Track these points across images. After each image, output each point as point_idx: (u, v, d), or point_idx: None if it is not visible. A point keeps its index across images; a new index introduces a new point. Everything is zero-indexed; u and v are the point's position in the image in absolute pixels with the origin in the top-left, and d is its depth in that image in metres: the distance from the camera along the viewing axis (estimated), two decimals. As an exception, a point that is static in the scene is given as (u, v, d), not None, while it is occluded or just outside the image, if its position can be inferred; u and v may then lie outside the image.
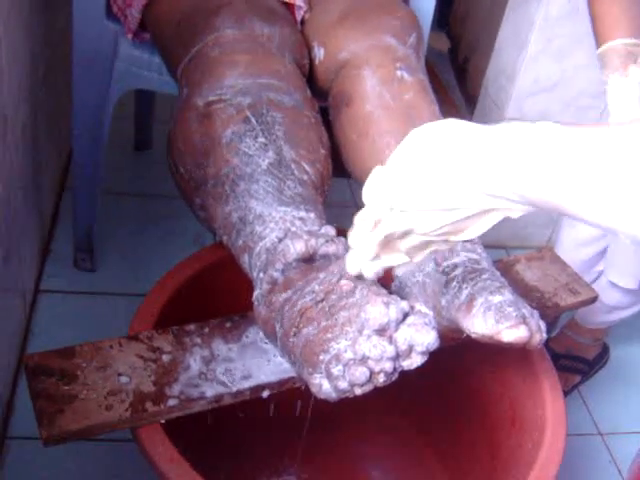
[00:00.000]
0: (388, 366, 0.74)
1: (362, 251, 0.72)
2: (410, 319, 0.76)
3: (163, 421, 0.81)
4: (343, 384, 0.75)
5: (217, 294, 1.01)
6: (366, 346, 0.74)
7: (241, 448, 1.14)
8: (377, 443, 1.27)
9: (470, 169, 0.60)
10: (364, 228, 0.70)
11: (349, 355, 0.74)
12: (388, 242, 0.70)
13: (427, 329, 0.76)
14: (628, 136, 0.53)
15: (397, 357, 0.75)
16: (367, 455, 1.27)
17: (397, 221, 0.67)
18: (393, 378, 0.76)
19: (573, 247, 1.52)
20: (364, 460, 1.27)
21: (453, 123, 0.62)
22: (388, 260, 0.72)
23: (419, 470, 1.22)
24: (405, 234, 0.68)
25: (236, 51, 1.01)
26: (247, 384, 0.84)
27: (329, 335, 0.76)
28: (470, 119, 1.03)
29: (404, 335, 0.75)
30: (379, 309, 0.75)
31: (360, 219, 0.70)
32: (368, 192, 0.68)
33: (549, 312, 1.07)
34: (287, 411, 1.06)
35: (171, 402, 0.81)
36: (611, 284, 1.47)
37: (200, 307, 0.96)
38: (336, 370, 0.75)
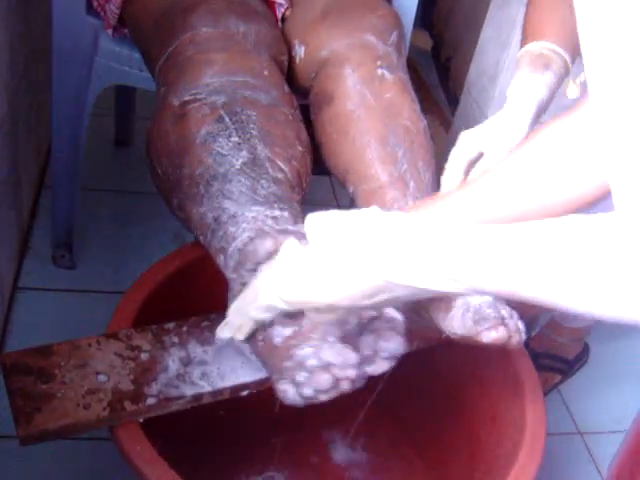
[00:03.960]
0: (352, 373, 0.74)
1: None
2: (374, 324, 0.76)
3: (141, 420, 0.80)
4: (308, 391, 0.75)
5: (197, 292, 1.00)
6: (329, 353, 0.74)
7: (220, 447, 1.14)
8: (358, 440, 1.27)
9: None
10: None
11: (313, 362, 0.74)
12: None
13: (391, 334, 0.76)
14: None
15: (361, 363, 0.75)
16: (348, 452, 1.27)
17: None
18: (358, 385, 0.76)
19: None
20: (345, 456, 1.27)
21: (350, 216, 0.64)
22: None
23: (400, 466, 1.23)
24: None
25: (211, 49, 1.00)
26: (225, 384, 0.84)
27: (294, 342, 0.76)
28: (452, 118, 1.03)
29: (368, 341, 0.75)
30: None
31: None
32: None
33: (529, 312, 1.07)
34: (265, 409, 1.06)
35: (150, 401, 0.80)
36: None
37: (180, 305, 0.95)
38: (301, 377, 0.75)
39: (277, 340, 0.78)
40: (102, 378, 0.81)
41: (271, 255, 0.82)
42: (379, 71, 1.07)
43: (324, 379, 0.74)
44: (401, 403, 1.21)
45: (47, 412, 0.76)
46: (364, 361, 0.75)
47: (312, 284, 0.66)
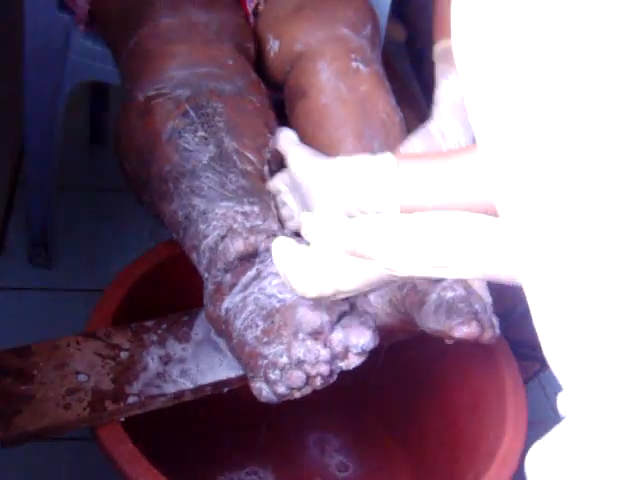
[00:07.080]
0: (324, 369, 0.74)
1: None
2: (345, 320, 0.76)
3: (123, 419, 0.80)
4: (281, 388, 0.75)
5: (175, 288, 1.00)
6: (300, 350, 0.74)
7: (202, 444, 1.13)
8: (340, 434, 1.27)
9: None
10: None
11: (285, 360, 0.74)
12: None
13: (362, 329, 0.76)
14: None
15: (333, 359, 0.75)
16: (331, 445, 1.27)
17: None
18: (331, 380, 0.76)
19: None
20: (327, 451, 1.27)
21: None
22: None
23: (382, 459, 1.23)
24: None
25: (173, 41, 0.99)
26: (206, 381, 0.84)
27: (266, 339, 0.76)
28: (427, 110, 1.03)
29: (338, 337, 0.75)
30: (311, 312, 0.75)
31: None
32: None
33: (508, 304, 1.07)
34: (247, 406, 1.06)
35: (131, 400, 0.80)
36: None
37: (158, 302, 0.95)
38: (274, 375, 0.75)
39: (249, 338, 0.78)
40: (82, 378, 0.81)
41: (241, 254, 0.82)
42: (354, 64, 1.07)
43: (296, 376, 0.74)
44: (381, 396, 1.21)
45: (27, 413, 0.76)
46: (336, 357, 0.75)
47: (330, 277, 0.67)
